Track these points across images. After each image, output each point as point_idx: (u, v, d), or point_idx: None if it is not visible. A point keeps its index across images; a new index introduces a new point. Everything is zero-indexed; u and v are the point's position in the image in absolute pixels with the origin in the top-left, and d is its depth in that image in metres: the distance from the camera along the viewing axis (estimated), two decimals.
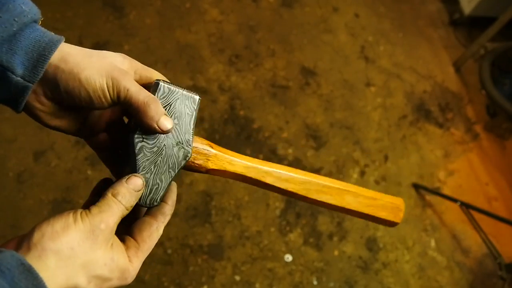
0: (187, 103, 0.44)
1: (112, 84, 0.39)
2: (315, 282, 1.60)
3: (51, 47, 0.37)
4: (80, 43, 1.94)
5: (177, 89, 0.44)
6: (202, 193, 1.69)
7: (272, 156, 1.82)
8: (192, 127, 0.44)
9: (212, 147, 0.48)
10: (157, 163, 0.43)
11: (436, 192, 1.84)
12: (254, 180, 0.51)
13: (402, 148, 1.99)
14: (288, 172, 0.51)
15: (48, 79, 0.38)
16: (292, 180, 0.51)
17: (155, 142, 0.43)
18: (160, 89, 0.42)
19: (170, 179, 0.44)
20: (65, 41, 0.40)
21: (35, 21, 0.39)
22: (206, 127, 1.84)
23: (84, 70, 0.38)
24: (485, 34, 2.08)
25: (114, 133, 0.48)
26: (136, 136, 0.42)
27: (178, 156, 0.44)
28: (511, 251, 1.78)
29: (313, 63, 2.14)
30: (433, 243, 1.78)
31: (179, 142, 0.44)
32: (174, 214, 1.62)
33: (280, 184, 0.51)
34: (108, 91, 0.39)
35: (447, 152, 2.04)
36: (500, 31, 2.04)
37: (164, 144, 0.43)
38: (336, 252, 1.67)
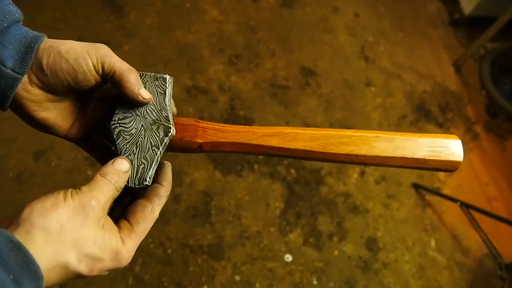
0: (157, 83, 0.45)
1: (95, 54, 0.41)
2: (315, 282, 1.60)
3: (37, 40, 0.40)
4: None
5: (144, 73, 0.45)
6: (202, 193, 1.69)
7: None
8: (167, 103, 0.45)
9: (198, 122, 0.47)
10: (138, 144, 0.44)
11: (436, 192, 1.84)
12: (256, 145, 0.44)
13: None
14: (292, 130, 0.44)
15: (33, 64, 0.40)
16: (300, 137, 0.43)
17: (131, 125, 0.44)
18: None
19: (156, 156, 0.44)
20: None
21: (19, 21, 0.41)
22: None
23: (64, 44, 0.41)
24: (485, 34, 2.08)
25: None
26: (112, 122, 0.44)
27: (159, 134, 0.44)
28: (511, 251, 1.78)
29: (313, 63, 2.14)
30: (433, 243, 1.77)
31: (156, 120, 0.45)
32: (174, 214, 1.63)
33: (287, 144, 0.43)
34: (92, 61, 0.41)
35: None
36: (500, 31, 2.04)
37: (142, 125, 0.44)
38: (336, 252, 1.67)
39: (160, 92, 0.45)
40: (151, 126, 0.44)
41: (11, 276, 0.29)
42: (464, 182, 1.97)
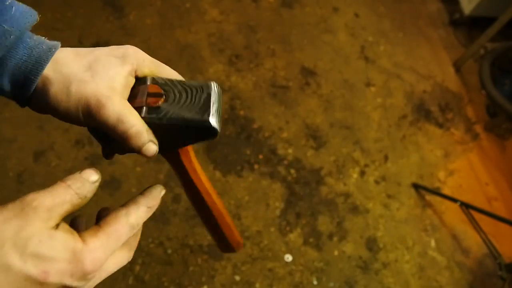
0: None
1: (89, 116, 0.37)
2: (315, 282, 1.60)
3: (38, 68, 0.37)
4: (80, 43, 1.94)
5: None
6: None
7: (272, 156, 1.82)
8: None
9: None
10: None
11: (436, 192, 1.84)
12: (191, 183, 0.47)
13: (402, 148, 1.99)
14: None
15: (38, 88, 0.38)
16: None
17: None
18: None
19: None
20: (66, 41, 0.39)
21: (25, 31, 0.37)
22: None
23: (61, 103, 0.37)
24: (485, 34, 2.08)
25: None
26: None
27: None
28: (511, 251, 1.78)
29: (313, 63, 2.14)
30: (433, 243, 1.77)
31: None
32: (174, 214, 1.63)
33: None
34: (79, 117, 0.38)
35: (447, 152, 2.04)
36: (500, 31, 2.04)
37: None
38: (336, 252, 1.67)
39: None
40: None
41: None
42: (464, 182, 1.97)
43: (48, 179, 1.62)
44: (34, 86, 0.37)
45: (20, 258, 0.29)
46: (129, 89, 0.41)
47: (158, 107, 0.39)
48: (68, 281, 0.31)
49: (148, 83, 0.41)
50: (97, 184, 0.35)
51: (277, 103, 1.97)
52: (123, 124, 0.37)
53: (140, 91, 0.41)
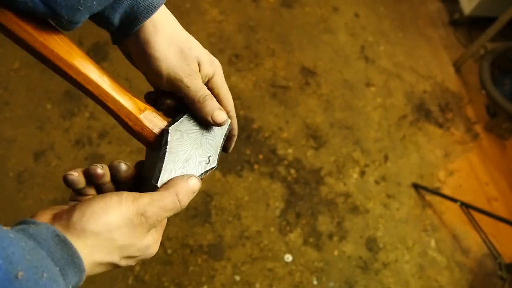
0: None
1: (174, 78, 0.43)
2: (315, 282, 1.60)
3: (148, 12, 0.41)
4: (80, 43, 1.94)
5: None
6: (202, 193, 1.69)
7: (272, 156, 1.82)
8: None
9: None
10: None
11: (436, 192, 1.84)
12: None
13: (402, 148, 1.99)
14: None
15: (131, 39, 0.43)
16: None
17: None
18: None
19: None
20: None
21: None
22: None
23: (155, 52, 0.42)
24: (485, 34, 2.08)
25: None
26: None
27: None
28: (511, 251, 1.78)
29: (313, 63, 2.14)
30: (433, 243, 1.77)
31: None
32: (174, 214, 1.62)
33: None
34: (165, 82, 0.43)
35: (447, 152, 2.04)
36: (500, 31, 2.04)
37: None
38: (336, 252, 1.67)
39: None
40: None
41: (58, 268, 0.31)
42: (464, 182, 1.97)
43: (48, 179, 1.62)
44: (139, 27, 0.41)
45: (119, 258, 0.37)
46: None
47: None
48: (136, 261, 0.41)
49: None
50: (195, 193, 0.43)
51: (277, 103, 1.97)
52: (204, 89, 0.44)
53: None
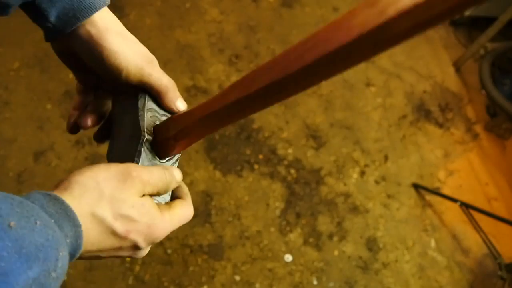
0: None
1: (135, 70, 0.42)
2: (315, 282, 1.60)
3: (88, 12, 0.40)
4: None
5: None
6: (202, 193, 1.69)
7: (272, 156, 1.82)
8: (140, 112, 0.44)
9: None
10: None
11: (436, 192, 1.84)
12: (218, 112, 0.38)
13: (402, 148, 1.99)
14: (247, 74, 0.36)
15: (76, 35, 0.41)
16: (258, 74, 0.35)
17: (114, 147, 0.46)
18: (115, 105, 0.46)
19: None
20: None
21: None
22: None
23: (110, 46, 0.41)
24: (485, 34, 2.08)
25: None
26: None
27: (134, 144, 0.43)
28: (511, 251, 1.78)
29: None
30: (433, 243, 1.77)
31: (131, 135, 0.44)
32: None
33: (248, 90, 0.35)
34: (126, 74, 0.42)
35: (447, 152, 2.04)
36: (500, 31, 2.04)
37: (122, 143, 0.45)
38: (336, 252, 1.67)
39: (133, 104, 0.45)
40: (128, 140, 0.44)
41: (53, 220, 0.30)
42: (464, 182, 1.97)
43: (48, 179, 1.62)
44: (78, 25, 0.40)
45: (112, 215, 0.35)
46: None
47: None
48: (140, 241, 0.37)
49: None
50: (179, 184, 0.44)
51: (277, 103, 1.97)
52: (165, 76, 0.45)
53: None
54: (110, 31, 0.41)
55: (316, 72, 0.32)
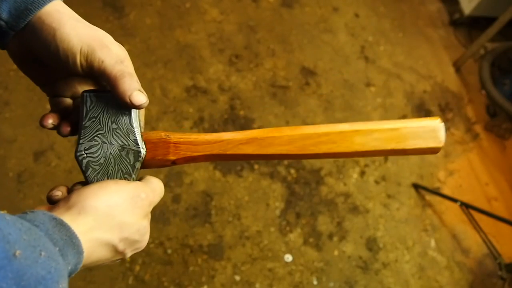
0: (120, 103, 0.41)
1: (87, 52, 0.38)
2: (315, 282, 1.60)
3: (40, 3, 0.38)
4: None
5: (105, 94, 0.42)
6: (202, 193, 1.69)
7: None
8: (134, 125, 0.42)
9: (169, 137, 0.44)
10: (109, 174, 0.42)
11: (436, 192, 1.84)
12: (230, 155, 0.44)
13: None
14: (268, 134, 0.43)
15: (28, 27, 0.38)
16: (277, 141, 0.42)
17: (99, 154, 0.41)
18: (86, 100, 0.41)
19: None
20: None
21: None
22: (206, 127, 1.84)
23: (63, 27, 0.38)
24: (485, 34, 2.08)
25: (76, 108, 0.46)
26: (78, 154, 0.41)
27: (129, 160, 0.42)
28: (511, 251, 1.78)
29: (313, 63, 2.14)
30: (433, 243, 1.77)
31: (124, 145, 0.42)
32: (174, 214, 1.62)
33: (264, 151, 0.42)
34: (81, 57, 0.38)
35: (447, 152, 2.04)
36: (500, 31, 2.04)
37: (110, 153, 0.41)
38: (336, 252, 1.67)
39: (125, 113, 0.42)
40: (119, 152, 0.42)
41: (57, 248, 0.31)
42: (464, 182, 1.97)
43: (48, 179, 1.62)
44: (31, 17, 0.38)
45: (119, 239, 0.37)
46: None
47: None
48: (131, 253, 0.40)
49: None
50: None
51: (277, 103, 1.97)
52: (121, 64, 0.40)
53: None
54: (62, 14, 0.38)
55: (321, 156, 0.44)
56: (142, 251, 1.60)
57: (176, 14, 2.13)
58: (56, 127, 0.44)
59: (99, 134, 0.41)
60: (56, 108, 0.46)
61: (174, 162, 0.44)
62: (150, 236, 1.71)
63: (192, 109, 1.87)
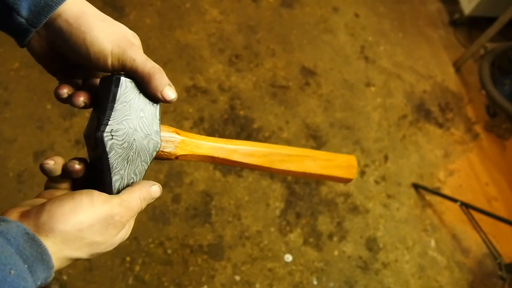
0: (151, 97, 0.43)
1: (119, 53, 0.40)
2: (315, 282, 1.60)
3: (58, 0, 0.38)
4: None
5: (138, 82, 0.43)
6: (202, 193, 1.69)
7: None
8: (158, 117, 0.44)
9: (178, 134, 0.48)
10: (129, 158, 0.43)
11: (436, 192, 1.84)
12: (222, 159, 0.52)
13: (402, 148, 1.99)
14: (252, 147, 0.53)
15: (54, 27, 0.38)
16: (256, 154, 0.53)
17: (124, 138, 0.42)
18: (121, 84, 0.41)
19: (144, 172, 0.45)
20: None
21: None
22: (206, 127, 1.84)
23: (92, 31, 0.38)
24: (485, 34, 2.08)
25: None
26: (105, 134, 0.41)
27: (149, 148, 0.44)
28: (511, 251, 1.78)
29: (313, 63, 2.14)
30: (433, 243, 1.77)
31: (148, 134, 0.44)
32: (174, 214, 1.62)
33: (245, 159, 0.53)
34: (112, 59, 0.39)
35: (447, 152, 2.04)
36: (500, 31, 2.04)
37: (134, 138, 0.43)
38: (336, 252, 1.67)
39: (152, 104, 0.44)
40: (142, 140, 0.43)
41: (26, 266, 0.31)
42: (464, 182, 1.97)
43: None
44: (52, 13, 0.37)
45: (88, 255, 0.38)
46: None
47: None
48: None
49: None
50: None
51: (277, 103, 1.97)
52: (150, 60, 0.41)
53: None
54: (88, 15, 0.39)
55: (323, 179, 0.59)
56: (142, 251, 1.60)
57: (176, 14, 2.13)
58: (68, 98, 0.43)
59: (127, 119, 0.42)
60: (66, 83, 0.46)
61: (177, 157, 0.48)
62: (150, 236, 1.71)
63: (192, 109, 1.87)
